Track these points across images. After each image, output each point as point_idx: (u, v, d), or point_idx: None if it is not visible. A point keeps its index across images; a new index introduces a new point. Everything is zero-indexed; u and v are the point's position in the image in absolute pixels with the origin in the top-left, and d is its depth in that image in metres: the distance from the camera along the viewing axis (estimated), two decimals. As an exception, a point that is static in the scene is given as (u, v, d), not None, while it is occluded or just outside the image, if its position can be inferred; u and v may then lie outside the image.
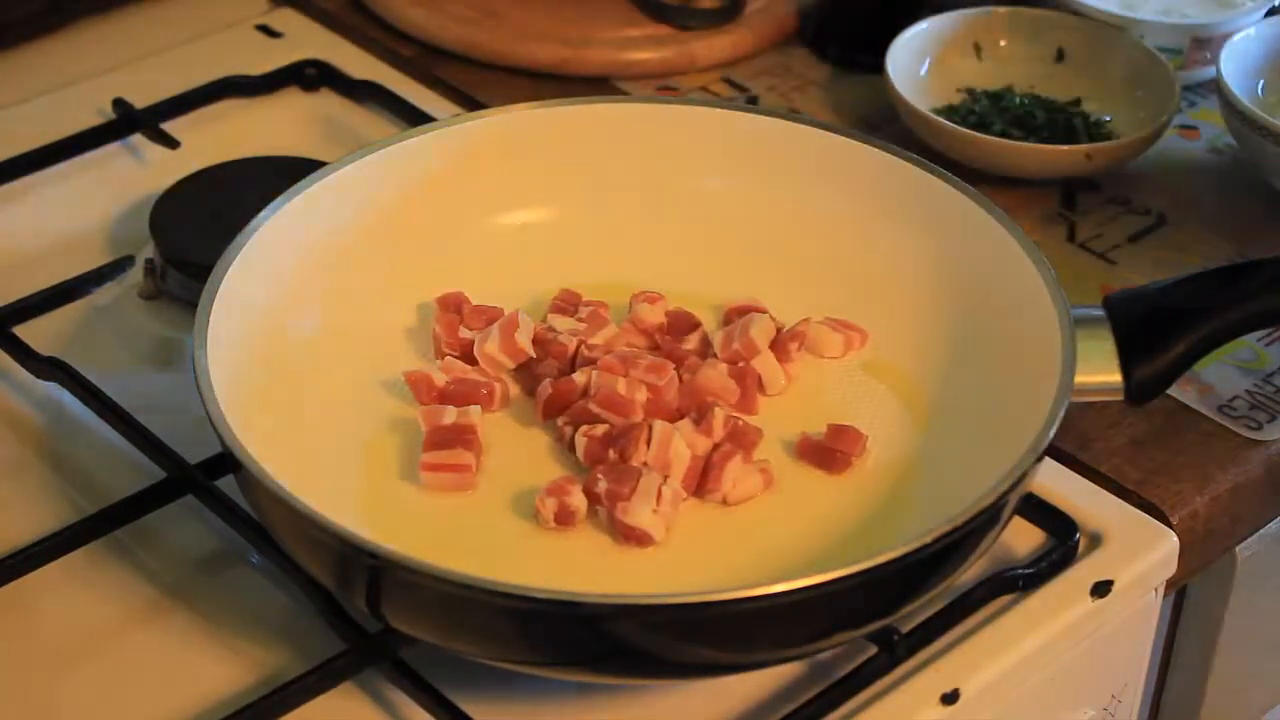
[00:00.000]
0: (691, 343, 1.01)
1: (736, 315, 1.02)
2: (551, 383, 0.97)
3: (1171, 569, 0.99)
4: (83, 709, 0.89)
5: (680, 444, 0.93)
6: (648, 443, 0.92)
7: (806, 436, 0.97)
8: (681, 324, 1.02)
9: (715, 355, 1.00)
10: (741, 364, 0.99)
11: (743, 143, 1.06)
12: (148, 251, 1.11)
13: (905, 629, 0.89)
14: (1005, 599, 0.94)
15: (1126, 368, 0.93)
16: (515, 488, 0.93)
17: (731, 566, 0.90)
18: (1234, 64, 1.20)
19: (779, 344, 1.01)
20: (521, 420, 0.98)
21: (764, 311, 1.01)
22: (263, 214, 0.98)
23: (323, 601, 0.89)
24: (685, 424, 0.95)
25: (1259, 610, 1.11)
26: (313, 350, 0.99)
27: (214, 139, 1.22)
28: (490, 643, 0.85)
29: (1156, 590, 0.99)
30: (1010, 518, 0.90)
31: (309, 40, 1.33)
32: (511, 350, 0.98)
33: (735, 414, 0.97)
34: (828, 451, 0.95)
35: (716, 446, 0.94)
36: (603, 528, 0.91)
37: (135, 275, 1.11)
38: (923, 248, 1.03)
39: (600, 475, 0.92)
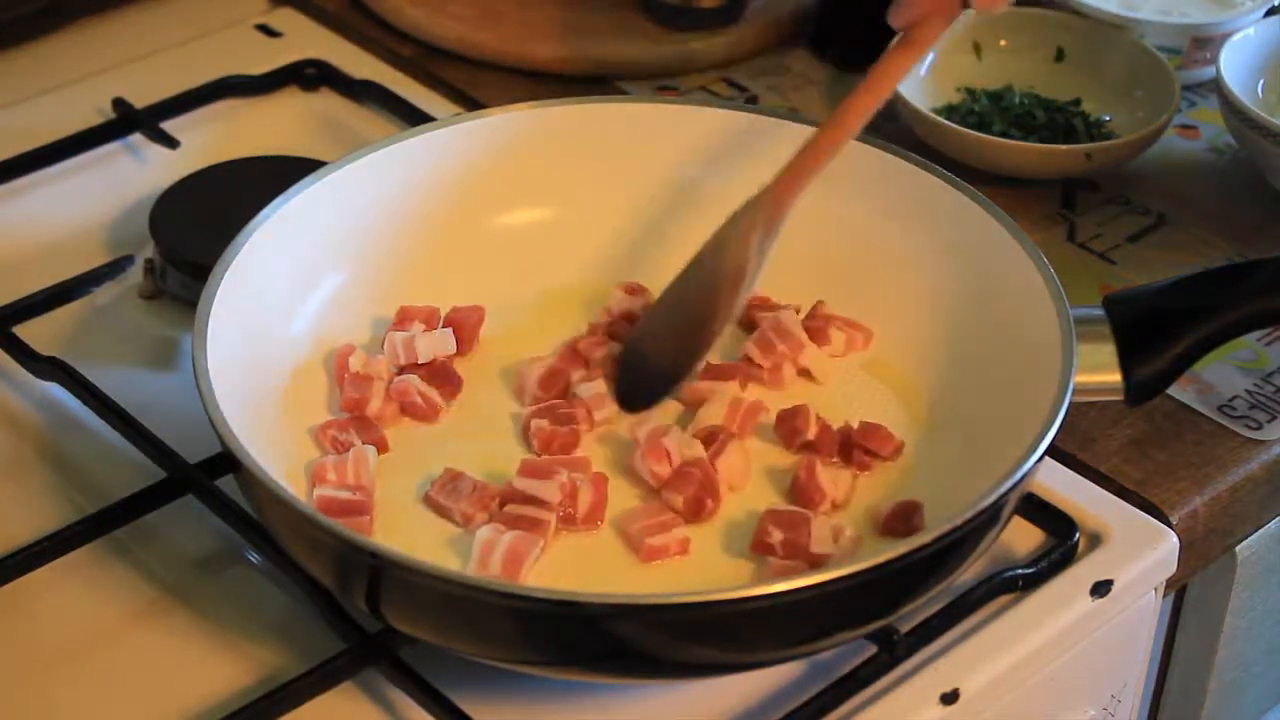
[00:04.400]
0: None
1: (754, 311, 1.02)
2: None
3: (1171, 569, 0.99)
4: (83, 709, 0.89)
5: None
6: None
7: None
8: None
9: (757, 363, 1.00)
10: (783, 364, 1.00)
11: (742, 143, 1.06)
12: (148, 251, 1.11)
13: (905, 629, 0.89)
14: (1005, 599, 0.93)
15: (1126, 368, 0.93)
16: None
17: (732, 565, 0.91)
18: (1234, 64, 1.20)
19: (814, 330, 1.01)
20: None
21: (768, 300, 1.02)
22: (263, 214, 0.98)
23: (323, 601, 0.89)
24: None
25: (1259, 610, 1.11)
26: (312, 349, 0.99)
27: (214, 139, 1.22)
28: (490, 643, 0.85)
29: (1156, 590, 0.99)
30: (1010, 518, 0.90)
31: (309, 40, 1.33)
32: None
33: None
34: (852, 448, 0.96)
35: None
36: (604, 530, 0.92)
37: (135, 275, 1.11)
38: (923, 248, 1.03)
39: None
